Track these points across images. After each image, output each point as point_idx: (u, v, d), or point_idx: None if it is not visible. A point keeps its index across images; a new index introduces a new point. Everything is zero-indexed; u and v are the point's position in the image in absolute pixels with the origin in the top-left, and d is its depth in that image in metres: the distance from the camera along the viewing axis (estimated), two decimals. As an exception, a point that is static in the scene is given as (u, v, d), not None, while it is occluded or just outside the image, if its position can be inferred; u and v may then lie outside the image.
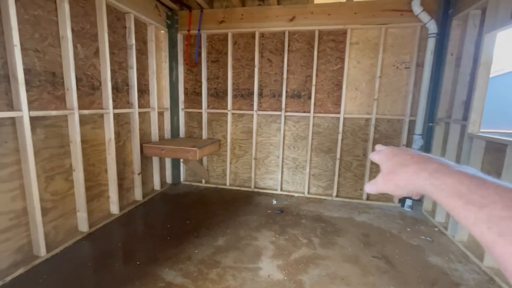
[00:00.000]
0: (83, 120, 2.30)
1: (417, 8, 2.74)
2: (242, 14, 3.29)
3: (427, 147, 2.96)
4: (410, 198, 3.07)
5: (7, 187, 1.76)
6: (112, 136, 2.57)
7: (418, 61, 2.97)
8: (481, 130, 2.31)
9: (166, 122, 3.64)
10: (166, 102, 3.61)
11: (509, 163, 1.86)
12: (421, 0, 2.72)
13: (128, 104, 2.90)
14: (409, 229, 2.63)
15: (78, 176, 2.25)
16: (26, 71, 1.82)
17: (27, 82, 1.82)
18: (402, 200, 3.18)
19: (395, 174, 0.39)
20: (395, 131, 3.16)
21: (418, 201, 3.09)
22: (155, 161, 3.44)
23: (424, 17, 2.74)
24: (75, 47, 2.18)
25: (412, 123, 3.07)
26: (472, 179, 0.29)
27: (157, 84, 3.37)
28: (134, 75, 2.86)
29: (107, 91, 2.49)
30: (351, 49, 3.13)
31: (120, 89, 2.76)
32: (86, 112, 2.29)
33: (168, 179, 3.77)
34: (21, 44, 1.76)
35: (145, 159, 3.25)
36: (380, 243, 2.36)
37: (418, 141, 2.97)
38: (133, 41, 2.81)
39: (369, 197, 3.33)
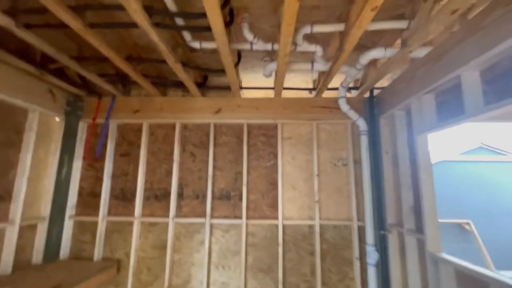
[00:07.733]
0: None
1: (344, 106, 2.64)
2: (161, 104, 2.85)
3: (384, 262, 2.37)
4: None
5: None
6: None
7: (355, 158, 2.71)
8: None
9: (39, 239, 2.51)
10: (45, 209, 2.58)
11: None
12: (347, 99, 2.65)
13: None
14: None
15: None
16: None
17: None
18: None
19: None
20: (344, 239, 2.59)
21: None
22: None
23: (352, 115, 2.63)
24: None
25: (362, 230, 2.56)
26: None
27: (32, 186, 2.43)
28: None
29: None
30: (284, 144, 2.79)
31: None
32: None
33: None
34: None
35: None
36: None
37: (372, 253, 2.39)
38: (-11, 132, 2.02)
39: (326, 336, 2.41)
